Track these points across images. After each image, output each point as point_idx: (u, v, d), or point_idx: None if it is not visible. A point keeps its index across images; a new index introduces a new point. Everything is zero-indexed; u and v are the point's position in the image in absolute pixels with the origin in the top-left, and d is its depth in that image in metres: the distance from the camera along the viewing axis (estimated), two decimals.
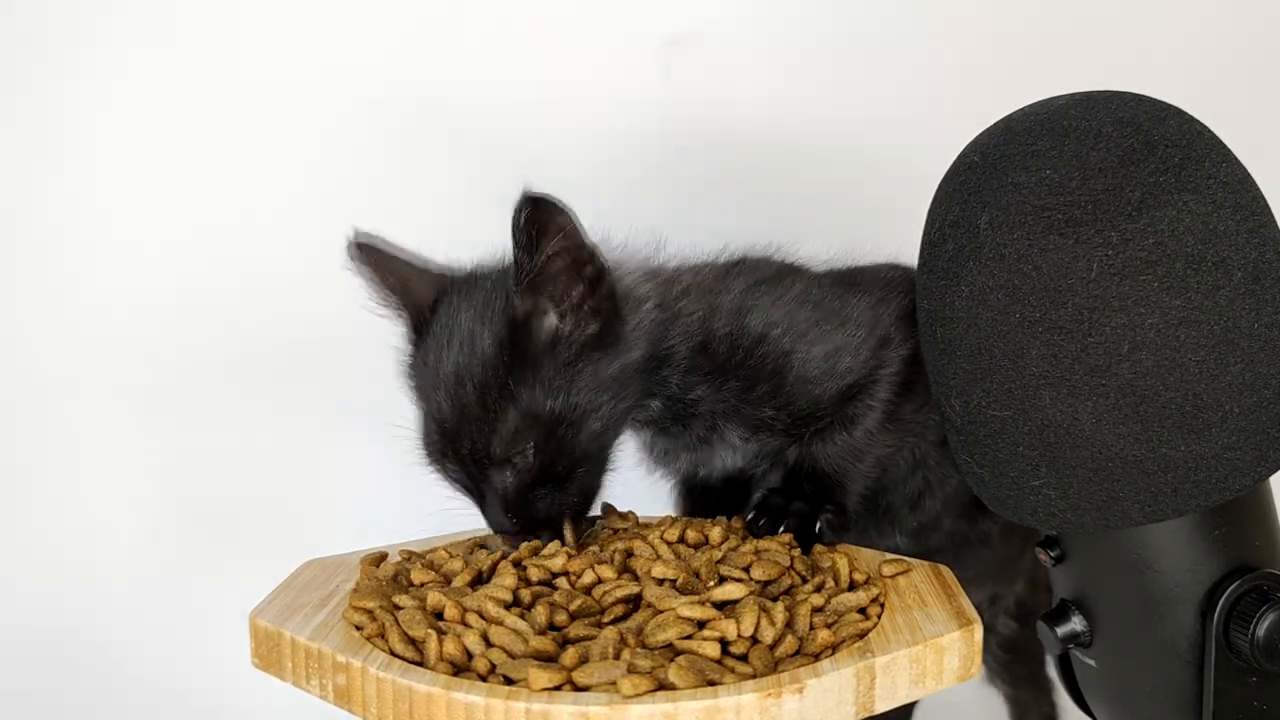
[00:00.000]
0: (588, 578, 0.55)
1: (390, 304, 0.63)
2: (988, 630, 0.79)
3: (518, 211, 0.54)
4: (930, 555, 0.60)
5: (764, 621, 0.50)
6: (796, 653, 0.49)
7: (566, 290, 0.58)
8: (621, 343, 0.60)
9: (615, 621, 0.52)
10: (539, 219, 0.55)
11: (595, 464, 0.60)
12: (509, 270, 0.59)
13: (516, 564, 0.57)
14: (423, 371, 0.60)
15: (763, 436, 0.63)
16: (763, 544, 0.58)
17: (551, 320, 0.58)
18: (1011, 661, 0.81)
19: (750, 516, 0.62)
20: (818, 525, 0.60)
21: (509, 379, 0.57)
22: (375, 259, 0.62)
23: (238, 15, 0.87)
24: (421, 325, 0.62)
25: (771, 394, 0.62)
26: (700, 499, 0.69)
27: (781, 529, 0.60)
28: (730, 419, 0.63)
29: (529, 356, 0.58)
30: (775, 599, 0.53)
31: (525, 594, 0.54)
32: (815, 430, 0.63)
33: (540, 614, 0.51)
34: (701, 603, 0.51)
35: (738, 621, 0.49)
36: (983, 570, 0.72)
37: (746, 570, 0.55)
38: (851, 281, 0.64)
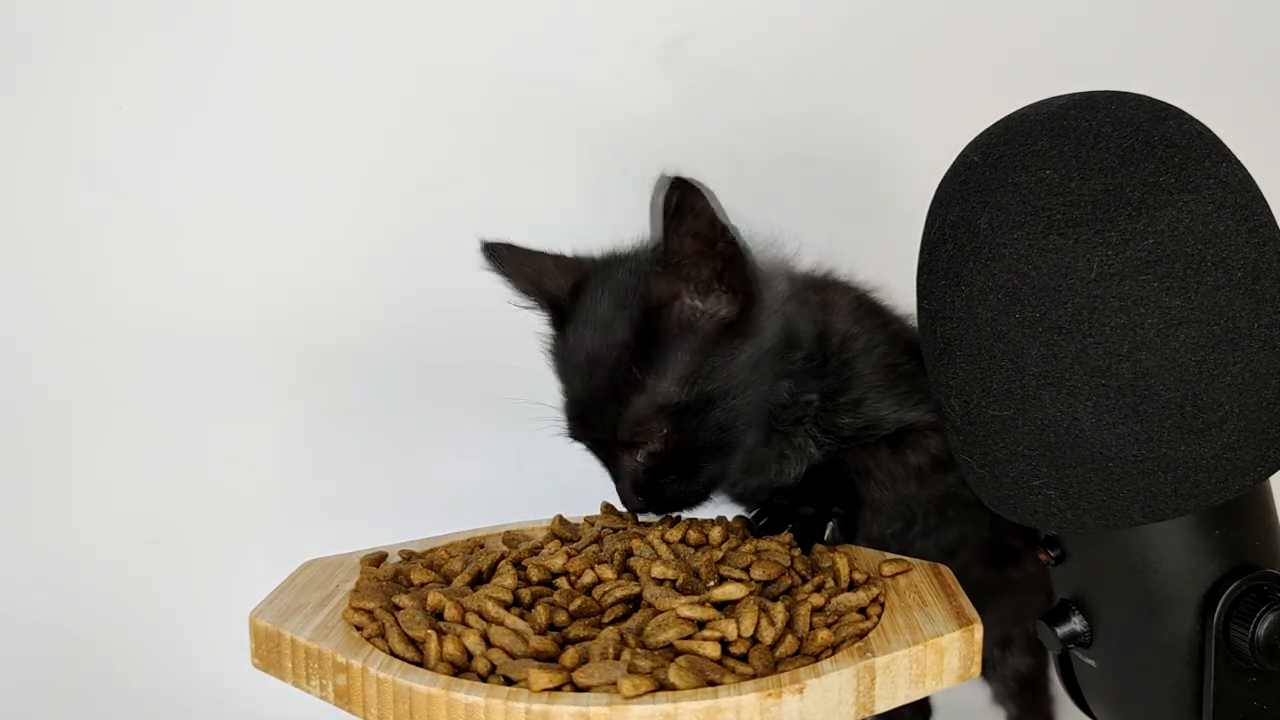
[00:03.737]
0: (588, 578, 0.55)
1: (529, 297, 0.64)
2: (1002, 667, 0.80)
3: (667, 196, 0.55)
4: None
5: (764, 622, 0.50)
6: (796, 653, 0.49)
7: (702, 270, 0.58)
8: (756, 329, 0.59)
9: (615, 621, 0.52)
10: (681, 201, 0.55)
11: (725, 453, 0.60)
12: (645, 253, 0.60)
13: (516, 564, 0.57)
14: (564, 353, 0.62)
15: (827, 445, 0.64)
16: (762, 544, 0.58)
17: (687, 303, 0.58)
18: (1022, 690, 0.81)
19: (753, 514, 0.62)
20: (828, 528, 0.60)
21: (637, 365, 0.58)
22: (507, 257, 0.64)
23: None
24: (564, 311, 0.62)
25: (855, 404, 0.63)
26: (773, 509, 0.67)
27: (786, 530, 0.60)
28: (817, 423, 0.63)
29: (663, 342, 0.58)
30: (775, 599, 0.53)
31: (525, 594, 0.54)
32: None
33: (540, 614, 0.51)
34: (701, 603, 0.51)
35: (738, 621, 0.49)
36: (998, 614, 0.73)
37: (746, 570, 0.55)
38: None
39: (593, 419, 0.60)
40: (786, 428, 0.62)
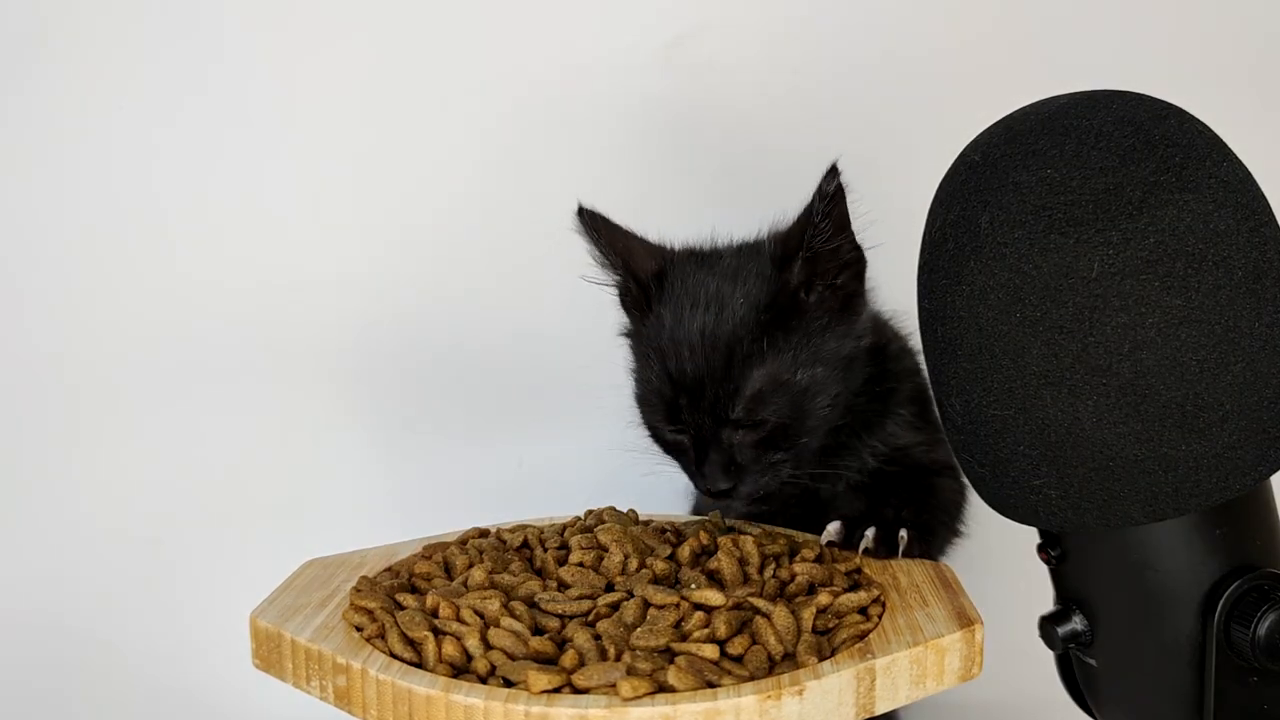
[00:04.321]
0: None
1: (614, 271, 0.65)
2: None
3: (826, 180, 0.57)
4: None
5: (764, 623, 0.50)
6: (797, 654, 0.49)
7: (829, 263, 0.60)
8: (856, 327, 0.62)
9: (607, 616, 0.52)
10: (837, 190, 0.57)
11: (814, 442, 0.61)
12: (761, 242, 0.62)
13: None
14: (658, 332, 0.61)
15: (881, 452, 0.65)
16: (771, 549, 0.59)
17: (806, 290, 0.60)
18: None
19: (837, 525, 0.61)
20: (900, 534, 0.60)
21: (763, 341, 0.59)
22: (601, 226, 0.64)
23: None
24: (647, 292, 0.63)
25: (914, 419, 0.65)
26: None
27: (870, 531, 0.60)
28: (873, 432, 0.64)
29: (784, 323, 0.59)
30: (775, 599, 0.53)
31: (518, 603, 0.54)
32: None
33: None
34: (695, 603, 0.51)
35: (736, 623, 0.49)
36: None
37: (762, 571, 0.56)
38: None
39: (703, 394, 0.59)
40: (844, 438, 0.64)
